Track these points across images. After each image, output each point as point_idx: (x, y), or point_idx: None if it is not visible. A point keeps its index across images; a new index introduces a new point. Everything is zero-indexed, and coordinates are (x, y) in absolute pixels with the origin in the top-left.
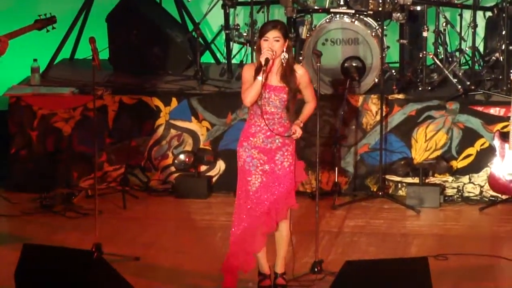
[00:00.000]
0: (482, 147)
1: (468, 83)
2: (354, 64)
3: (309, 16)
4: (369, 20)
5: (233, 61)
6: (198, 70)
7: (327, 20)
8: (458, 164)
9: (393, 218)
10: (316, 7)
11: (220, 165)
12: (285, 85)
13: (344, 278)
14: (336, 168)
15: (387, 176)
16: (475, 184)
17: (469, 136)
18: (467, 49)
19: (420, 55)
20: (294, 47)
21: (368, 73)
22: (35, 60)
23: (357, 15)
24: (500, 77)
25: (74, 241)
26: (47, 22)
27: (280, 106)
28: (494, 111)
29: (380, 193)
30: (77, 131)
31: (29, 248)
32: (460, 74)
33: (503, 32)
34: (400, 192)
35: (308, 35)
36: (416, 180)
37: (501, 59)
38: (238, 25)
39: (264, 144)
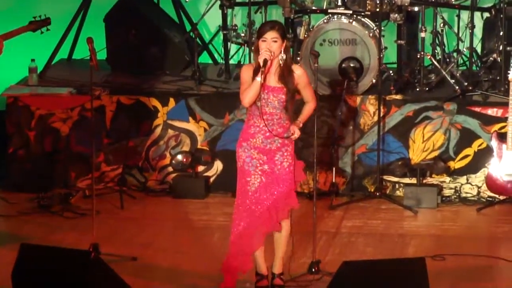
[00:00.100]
0: (479, 148)
1: (466, 83)
2: (351, 65)
3: (306, 16)
4: (367, 20)
5: (231, 61)
6: (196, 71)
7: (325, 21)
8: (455, 164)
9: (390, 218)
10: (314, 8)
11: (218, 166)
12: (283, 86)
13: (341, 279)
14: (334, 169)
15: (385, 177)
16: (472, 185)
17: (467, 137)
18: (464, 49)
19: (418, 56)
20: (292, 48)
21: (366, 73)
22: (33, 60)
23: (355, 16)
24: (498, 77)
25: (72, 241)
26: (41, 23)
27: (278, 107)
28: (491, 111)
29: (377, 194)
30: (74, 131)
31: (26, 248)
32: (458, 74)
33: (501, 33)
34: (398, 193)
35: (306, 35)
36: (413, 180)
37: (499, 60)
38: (236, 25)
39: (264, 144)
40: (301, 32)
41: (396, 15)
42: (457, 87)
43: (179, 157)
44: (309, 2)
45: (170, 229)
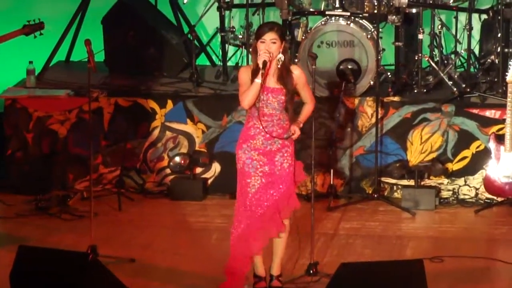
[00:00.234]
0: (477, 150)
1: (464, 85)
2: (349, 67)
3: (304, 18)
4: (365, 22)
5: (229, 63)
6: (194, 73)
7: (323, 23)
8: (453, 166)
9: (388, 220)
10: (311, 10)
11: (216, 167)
12: (282, 87)
13: (339, 280)
14: (332, 170)
15: (383, 179)
16: (470, 187)
17: (465, 139)
18: (462, 51)
19: (416, 58)
20: (289, 49)
21: (364, 75)
22: (30, 62)
23: (353, 18)
24: (496, 79)
25: (70, 243)
26: (35, 27)
27: (278, 108)
28: (489, 113)
29: (375, 195)
30: (72, 133)
31: (24, 250)
32: (456, 76)
33: (499, 35)
34: (396, 195)
35: (303, 37)
36: (411, 182)
37: (497, 62)
38: (233, 27)
39: (264, 146)
40: (299, 34)
41: (394, 17)
42: (455, 89)
43: (177, 159)
44: (307, 4)
45: (168, 231)
